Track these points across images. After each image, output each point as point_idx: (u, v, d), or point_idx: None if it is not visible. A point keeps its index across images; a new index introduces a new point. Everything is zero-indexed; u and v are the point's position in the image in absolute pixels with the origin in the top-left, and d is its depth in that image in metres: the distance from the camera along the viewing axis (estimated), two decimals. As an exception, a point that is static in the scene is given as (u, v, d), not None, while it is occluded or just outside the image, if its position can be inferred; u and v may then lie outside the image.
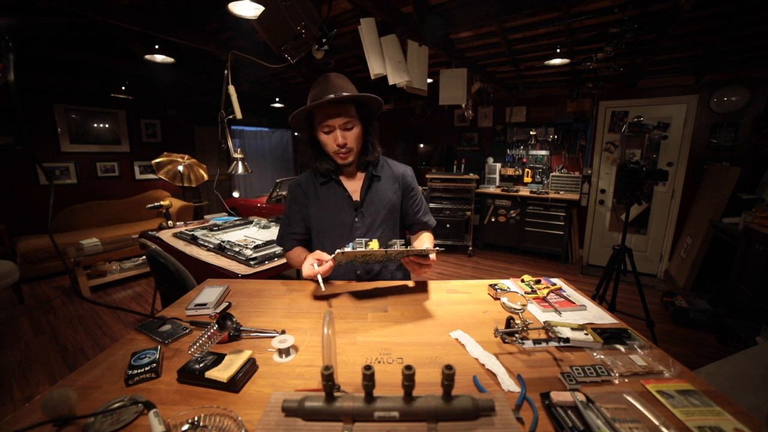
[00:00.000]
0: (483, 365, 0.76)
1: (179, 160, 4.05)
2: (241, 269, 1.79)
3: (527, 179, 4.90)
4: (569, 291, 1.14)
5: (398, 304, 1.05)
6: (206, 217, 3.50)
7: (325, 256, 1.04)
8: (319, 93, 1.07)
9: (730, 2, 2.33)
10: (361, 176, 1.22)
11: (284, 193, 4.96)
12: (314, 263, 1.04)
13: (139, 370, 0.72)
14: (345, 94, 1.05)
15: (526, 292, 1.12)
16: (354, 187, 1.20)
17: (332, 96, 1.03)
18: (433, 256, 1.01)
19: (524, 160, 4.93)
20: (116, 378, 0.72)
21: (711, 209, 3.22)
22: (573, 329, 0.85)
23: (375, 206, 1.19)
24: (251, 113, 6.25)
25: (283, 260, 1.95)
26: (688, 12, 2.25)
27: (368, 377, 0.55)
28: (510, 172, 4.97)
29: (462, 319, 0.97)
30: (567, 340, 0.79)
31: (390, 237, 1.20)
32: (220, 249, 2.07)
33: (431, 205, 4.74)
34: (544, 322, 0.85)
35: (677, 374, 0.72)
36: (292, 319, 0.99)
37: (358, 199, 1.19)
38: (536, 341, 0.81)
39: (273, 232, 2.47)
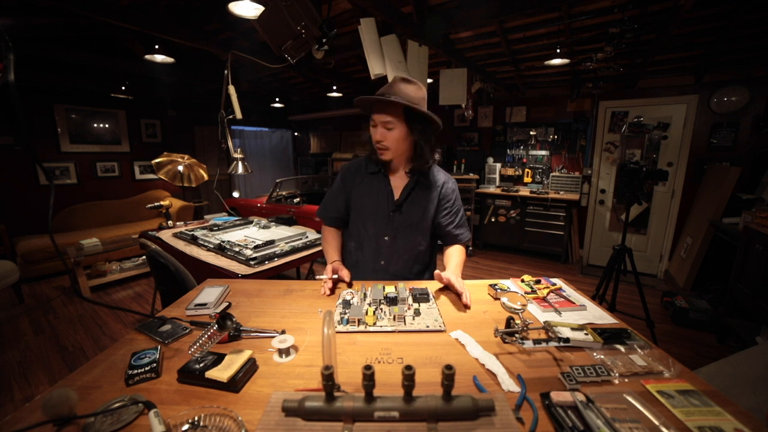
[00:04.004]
0: (483, 365, 0.76)
1: (179, 160, 4.05)
2: (241, 269, 1.79)
3: (527, 179, 4.90)
4: (569, 291, 1.14)
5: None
6: (206, 217, 3.50)
7: (341, 271, 1.17)
8: (382, 90, 1.13)
9: (730, 2, 2.33)
10: (406, 178, 1.26)
11: (284, 193, 4.99)
12: (330, 276, 1.16)
13: (139, 370, 0.72)
14: (393, 98, 1.08)
15: (526, 292, 1.12)
16: (398, 184, 1.26)
17: (380, 96, 1.10)
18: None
19: (524, 160, 4.93)
20: (116, 378, 0.73)
21: (711, 209, 3.22)
22: (573, 329, 0.85)
23: (410, 208, 1.24)
24: (251, 113, 6.25)
25: (284, 260, 1.97)
26: (688, 12, 2.25)
27: (368, 377, 0.55)
28: (510, 172, 4.97)
29: (462, 319, 0.97)
30: (567, 340, 0.79)
31: (414, 239, 1.26)
32: (220, 249, 2.07)
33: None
34: (544, 322, 0.86)
35: (677, 374, 0.72)
36: (292, 319, 0.99)
37: (398, 198, 1.24)
38: (536, 341, 0.81)
39: (273, 232, 2.47)
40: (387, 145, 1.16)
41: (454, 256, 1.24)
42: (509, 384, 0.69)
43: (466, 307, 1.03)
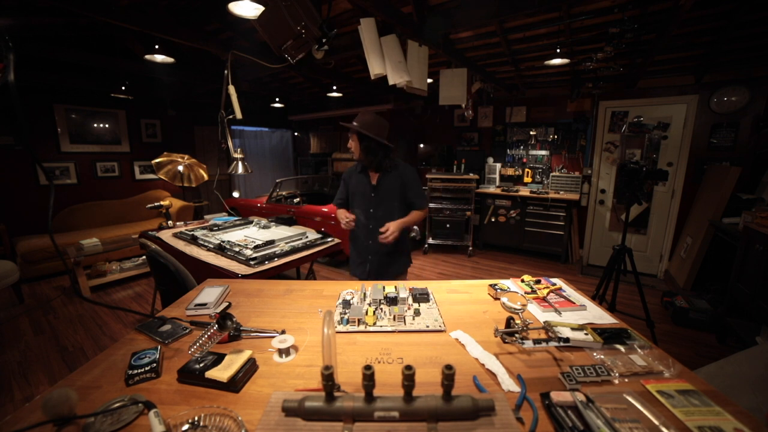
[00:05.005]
0: (483, 365, 0.76)
1: (179, 160, 4.05)
2: (241, 269, 1.79)
3: (527, 179, 4.90)
4: (569, 291, 1.14)
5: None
6: (206, 217, 3.49)
7: (349, 214, 1.80)
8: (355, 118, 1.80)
9: (730, 2, 2.33)
10: (378, 173, 1.87)
11: (284, 193, 5.04)
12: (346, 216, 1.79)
13: (139, 370, 0.72)
14: (350, 124, 1.77)
15: (526, 292, 1.12)
16: (374, 177, 1.86)
17: (345, 123, 1.81)
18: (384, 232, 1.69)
19: (524, 160, 4.93)
20: (116, 378, 0.73)
21: (711, 209, 3.22)
22: (573, 329, 0.85)
23: (383, 189, 1.84)
24: (251, 113, 6.25)
25: (284, 260, 1.99)
26: (688, 12, 2.25)
27: (368, 377, 0.55)
28: (510, 172, 4.97)
29: (462, 319, 0.97)
30: (567, 340, 0.79)
31: (392, 209, 1.82)
32: (220, 249, 2.07)
33: (431, 205, 4.75)
34: (544, 322, 0.86)
35: (677, 374, 0.72)
36: (292, 319, 0.99)
37: (374, 183, 1.85)
38: (536, 341, 0.81)
39: (273, 232, 2.47)
40: (352, 150, 1.83)
41: (409, 215, 1.84)
42: (509, 384, 0.69)
43: (381, 239, 1.65)
